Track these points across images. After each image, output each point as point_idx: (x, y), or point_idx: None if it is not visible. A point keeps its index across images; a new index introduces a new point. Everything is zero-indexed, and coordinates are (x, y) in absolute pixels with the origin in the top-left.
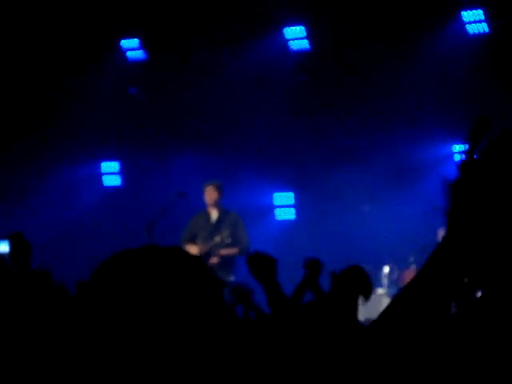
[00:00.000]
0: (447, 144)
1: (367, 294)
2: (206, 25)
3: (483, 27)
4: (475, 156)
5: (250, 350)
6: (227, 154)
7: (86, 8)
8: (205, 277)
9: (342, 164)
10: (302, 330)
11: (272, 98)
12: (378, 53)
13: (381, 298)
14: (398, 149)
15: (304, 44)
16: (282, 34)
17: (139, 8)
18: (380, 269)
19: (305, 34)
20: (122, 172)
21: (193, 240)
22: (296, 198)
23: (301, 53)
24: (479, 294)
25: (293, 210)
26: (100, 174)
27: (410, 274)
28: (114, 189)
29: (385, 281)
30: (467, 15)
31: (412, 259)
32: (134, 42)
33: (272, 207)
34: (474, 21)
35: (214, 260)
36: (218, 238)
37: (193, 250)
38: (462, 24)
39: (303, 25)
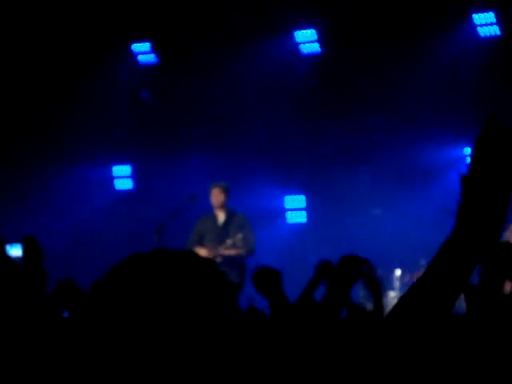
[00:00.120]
0: (459, 147)
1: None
2: (218, 29)
3: (494, 30)
4: (484, 153)
5: (262, 355)
6: (239, 158)
7: (98, 12)
8: (218, 281)
9: (354, 167)
10: (302, 330)
11: (286, 102)
12: (389, 56)
13: (393, 301)
14: (410, 152)
15: (315, 47)
16: (292, 37)
17: (151, 12)
18: (392, 272)
19: (315, 37)
20: (134, 175)
21: (201, 243)
22: (307, 202)
23: (312, 56)
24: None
25: (304, 214)
26: (112, 178)
27: None
28: (125, 192)
29: (397, 284)
30: (478, 18)
31: (423, 262)
32: (146, 46)
33: (283, 210)
34: (486, 23)
35: (217, 259)
36: (230, 241)
37: (202, 252)
38: (474, 27)
39: (314, 28)
